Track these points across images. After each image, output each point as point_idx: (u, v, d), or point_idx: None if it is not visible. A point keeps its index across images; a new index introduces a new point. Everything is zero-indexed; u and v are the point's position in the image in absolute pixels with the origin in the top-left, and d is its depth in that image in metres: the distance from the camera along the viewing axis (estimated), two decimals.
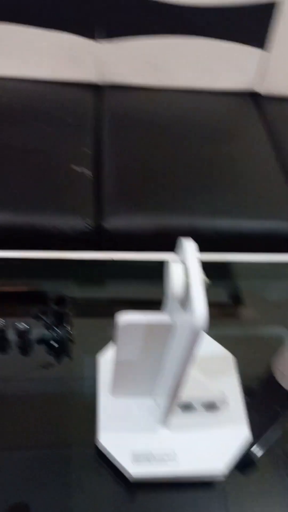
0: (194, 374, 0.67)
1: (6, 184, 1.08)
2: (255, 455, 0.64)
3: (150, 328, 0.50)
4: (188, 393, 0.59)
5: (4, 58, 1.45)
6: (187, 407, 0.63)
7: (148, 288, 0.86)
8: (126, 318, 0.49)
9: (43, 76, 1.48)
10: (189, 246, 0.46)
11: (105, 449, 0.61)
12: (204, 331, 0.42)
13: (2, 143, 1.19)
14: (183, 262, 0.45)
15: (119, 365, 0.57)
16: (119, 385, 0.62)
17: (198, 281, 0.43)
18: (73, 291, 0.84)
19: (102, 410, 0.64)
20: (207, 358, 0.70)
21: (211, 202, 1.12)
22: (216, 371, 0.69)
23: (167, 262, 0.46)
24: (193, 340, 0.43)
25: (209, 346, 0.72)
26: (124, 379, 0.60)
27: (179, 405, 0.62)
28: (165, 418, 0.61)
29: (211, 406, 0.63)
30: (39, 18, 1.38)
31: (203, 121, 1.40)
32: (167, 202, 1.10)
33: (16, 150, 1.17)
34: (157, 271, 0.88)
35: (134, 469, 0.59)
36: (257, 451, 0.64)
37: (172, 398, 0.56)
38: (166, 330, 0.50)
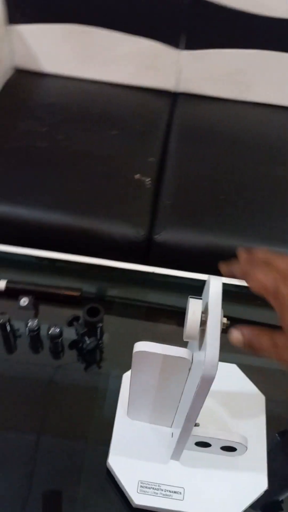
0: (218, 410, 0.64)
1: (67, 187, 1.10)
2: (270, 507, 0.60)
3: (167, 359, 0.47)
4: (207, 430, 0.55)
5: (87, 60, 1.48)
6: (204, 444, 0.59)
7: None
8: (142, 346, 0.47)
9: (122, 81, 1.50)
10: (216, 283, 0.43)
11: (113, 471, 0.59)
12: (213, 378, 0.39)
13: (72, 147, 1.21)
14: (205, 299, 0.43)
15: (134, 390, 0.55)
16: (135, 408, 0.60)
17: (216, 324, 0.40)
18: (111, 300, 0.83)
19: (117, 430, 0.62)
20: (235, 395, 0.66)
21: (271, 227, 1.07)
22: (243, 411, 0.65)
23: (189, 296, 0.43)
24: (203, 386, 0.40)
25: (240, 382, 0.68)
26: (140, 404, 0.58)
27: (195, 442, 0.59)
28: (178, 452, 0.58)
29: (229, 449, 0.59)
30: (123, 23, 1.39)
31: (276, 139, 1.34)
32: (223, 222, 1.07)
33: (84, 154, 1.19)
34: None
35: (138, 499, 0.57)
36: (273, 503, 0.60)
37: (184, 433, 0.53)
38: (183, 364, 0.48)
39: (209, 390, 0.41)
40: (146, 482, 0.58)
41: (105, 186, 1.11)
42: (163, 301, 0.85)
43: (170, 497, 0.57)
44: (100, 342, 0.75)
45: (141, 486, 0.58)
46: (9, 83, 1.47)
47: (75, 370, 0.73)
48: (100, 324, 0.71)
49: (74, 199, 1.08)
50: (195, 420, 0.48)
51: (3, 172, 1.13)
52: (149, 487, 0.58)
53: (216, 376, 0.59)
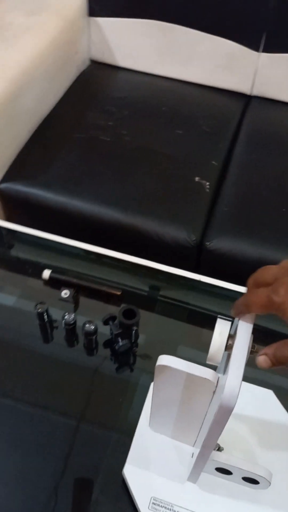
0: (247, 437, 0.60)
1: (125, 183, 1.09)
2: None
3: (190, 378, 0.45)
4: (230, 458, 0.52)
5: (163, 57, 1.46)
6: (225, 471, 0.56)
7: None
8: (166, 360, 0.44)
9: (196, 80, 1.47)
10: None
11: (127, 482, 0.57)
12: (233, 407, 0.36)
13: (135, 143, 1.20)
14: (235, 322, 0.39)
15: (156, 402, 0.53)
16: (156, 420, 0.58)
17: (242, 351, 0.36)
18: (153, 303, 0.81)
19: (137, 440, 0.60)
20: (268, 423, 0.62)
21: None
22: (273, 441, 0.61)
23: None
24: (221, 414, 0.37)
25: (274, 411, 0.64)
26: (161, 417, 0.56)
27: (216, 467, 0.55)
28: (195, 475, 0.55)
29: (251, 481, 0.55)
30: (203, 22, 1.36)
31: None
32: (281, 236, 1.01)
33: (145, 151, 1.18)
34: None
35: None
36: None
37: (201, 457, 0.50)
38: (207, 386, 0.45)
39: (227, 419, 0.38)
40: (159, 500, 0.56)
41: (163, 186, 1.09)
42: (205, 308, 0.82)
43: None
44: (133, 345, 0.73)
45: (153, 503, 0.55)
46: (84, 74, 1.48)
47: (105, 370, 0.72)
48: (135, 328, 0.69)
49: (129, 195, 1.06)
50: (213, 446, 0.45)
51: (64, 161, 1.14)
52: (161, 505, 0.55)
53: (250, 401, 0.55)
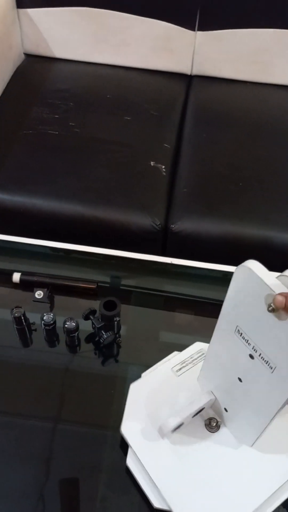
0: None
1: (80, 175, 1.07)
2: None
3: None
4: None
5: (100, 44, 1.44)
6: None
7: (207, 293, 0.81)
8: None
9: (135, 64, 1.46)
10: None
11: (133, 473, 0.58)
12: None
13: (85, 134, 1.18)
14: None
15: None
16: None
17: None
18: (128, 292, 0.81)
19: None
20: None
21: None
22: None
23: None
24: None
25: None
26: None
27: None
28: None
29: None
30: (136, 5, 1.35)
31: None
32: (242, 210, 1.03)
33: (97, 141, 1.16)
34: (220, 280, 0.83)
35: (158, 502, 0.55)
36: None
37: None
38: None
39: None
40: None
41: (120, 174, 1.08)
42: (181, 291, 0.83)
43: None
44: (117, 336, 0.73)
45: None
46: (20, 69, 1.43)
47: (91, 364, 0.71)
48: (118, 318, 0.69)
49: (87, 187, 1.05)
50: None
51: (15, 160, 1.10)
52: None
53: None
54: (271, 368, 0.45)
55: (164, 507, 0.54)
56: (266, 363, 0.45)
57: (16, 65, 1.45)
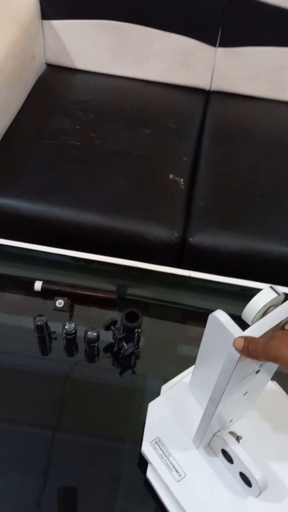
0: (269, 436, 0.60)
1: (100, 186, 1.09)
2: None
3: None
4: (238, 447, 0.53)
5: (121, 57, 1.46)
6: (229, 459, 0.57)
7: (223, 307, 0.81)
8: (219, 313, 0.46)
9: (155, 78, 1.48)
10: None
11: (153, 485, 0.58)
12: None
13: (105, 146, 1.20)
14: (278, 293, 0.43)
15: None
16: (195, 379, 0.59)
17: (267, 320, 0.40)
18: (146, 303, 0.82)
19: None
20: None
21: None
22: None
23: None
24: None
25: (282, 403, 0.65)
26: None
27: (222, 448, 0.56)
28: (198, 435, 0.56)
29: (246, 481, 0.56)
30: (158, 19, 1.37)
31: None
32: (258, 225, 1.04)
33: (116, 153, 1.18)
34: (238, 295, 0.84)
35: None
36: None
37: (207, 412, 0.51)
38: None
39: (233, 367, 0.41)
40: (162, 443, 0.59)
41: (138, 186, 1.10)
42: (195, 305, 0.84)
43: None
44: (137, 347, 0.73)
45: (156, 442, 0.59)
46: (41, 79, 1.46)
47: (110, 375, 0.72)
48: (139, 330, 0.70)
49: (107, 198, 1.06)
50: (217, 402, 0.47)
51: (36, 170, 1.12)
52: (160, 448, 0.59)
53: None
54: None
55: None
56: None
57: (38, 75, 1.47)
